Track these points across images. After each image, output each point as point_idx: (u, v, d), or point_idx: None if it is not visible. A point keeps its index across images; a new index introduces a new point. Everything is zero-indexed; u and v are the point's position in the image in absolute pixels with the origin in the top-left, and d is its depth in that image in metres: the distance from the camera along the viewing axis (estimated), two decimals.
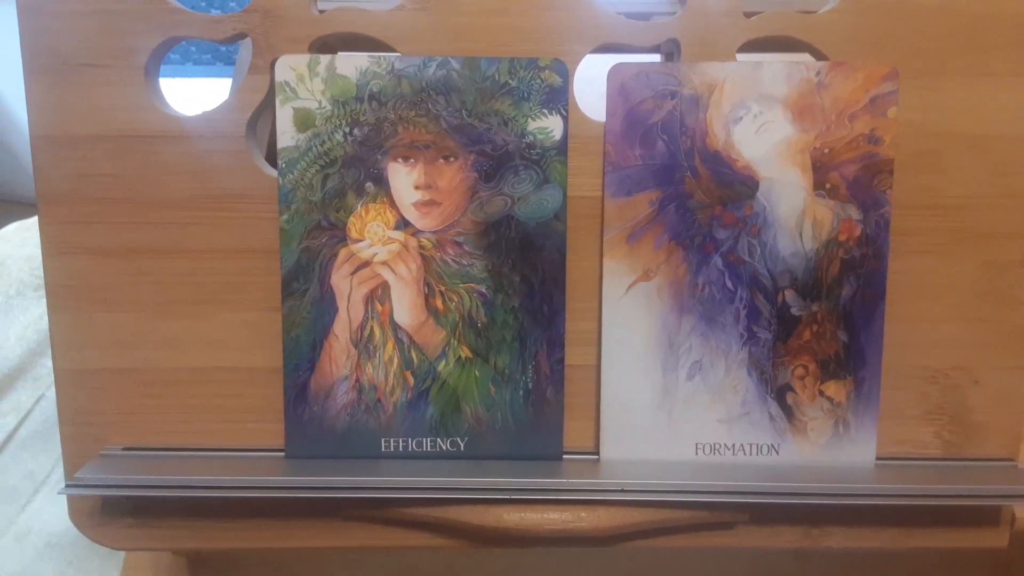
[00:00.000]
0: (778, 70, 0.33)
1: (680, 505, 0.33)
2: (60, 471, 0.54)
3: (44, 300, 0.61)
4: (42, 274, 0.62)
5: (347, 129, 0.34)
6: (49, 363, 0.59)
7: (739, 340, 0.34)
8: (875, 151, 0.34)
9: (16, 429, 0.56)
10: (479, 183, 0.34)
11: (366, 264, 0.34)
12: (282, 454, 0.35)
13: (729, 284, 0.34)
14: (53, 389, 0.58)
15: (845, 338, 0.34)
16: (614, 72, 0.34)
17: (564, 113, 0.34)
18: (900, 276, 0.35)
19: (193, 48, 1.29)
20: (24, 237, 0.66)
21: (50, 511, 0.52)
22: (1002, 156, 0.34)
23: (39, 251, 0.63)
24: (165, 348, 0.35)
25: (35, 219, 0.67)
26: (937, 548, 0.36)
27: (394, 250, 0.34)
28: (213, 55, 1.28)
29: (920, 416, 0.36)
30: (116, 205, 0.34)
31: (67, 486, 0.33)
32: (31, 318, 0.60)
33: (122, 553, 0.48)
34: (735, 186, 0.34)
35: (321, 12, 0.34)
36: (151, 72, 0.34)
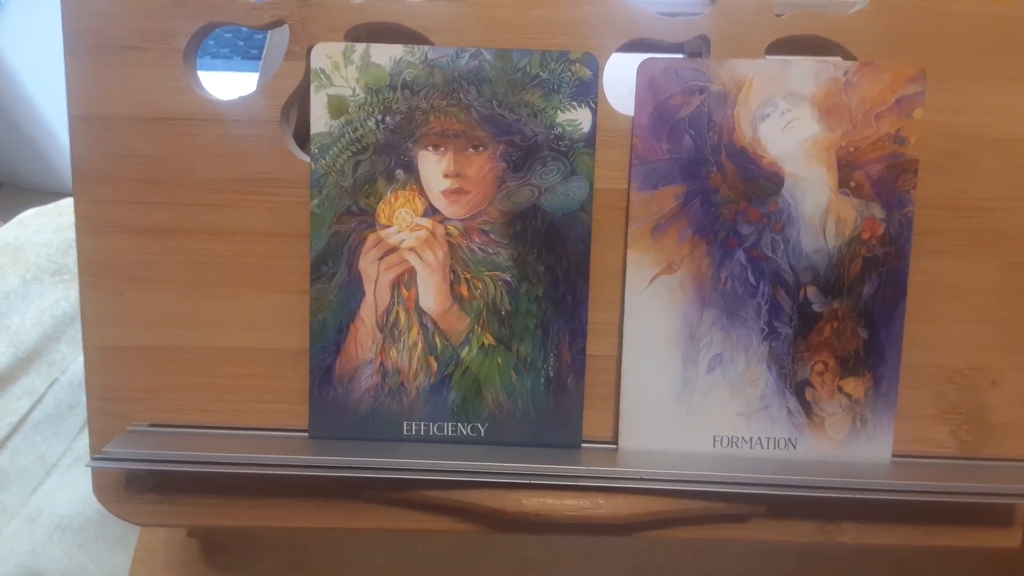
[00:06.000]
0: (806, 68, 0.34)
1: (697, 495, 0.34)
2: (72, 455, 0.55)
3: (60, 286, 0.62)
4: (59, 259, 0.63)
5: (379, 117, 0.34)
6: (64, 348, 0.59)
7: (760, 335, 0.35)
8: (900, 151, 0.34)
9: (29, 412, 0.56)
10: (507, 173, 0.35)
11: (394, 250, 0.35)
12: (305, 435, 0.36)
13: (751, 279, 0.35)
14: (67, 374, 0.59)
15: (865, 335, 0.35)
16: (644, 67, 0.34)
17: (593, 106, 0.34)
18: (922, 275, 0.35)
19: (212, 42, 1.30)
20: (41, 223, 0.67)
21: (61, 494, 0.52)
22: None
23: (56, 237, 0.64)
24: (194, 327, 0.35)
25: (52, 205, 0.68)
26: (949, 547, 0.36)
27: (421, 237, 0.35)
28: (231, 49, 1.29)
29: (937, 415, 0.36)
30: (151, 185, 0.35)
31: (93, 459, 0.33)
32: (47, 303, 0.61)
33: (131, 536, 0.49)
34: (760, 182, 0.34)
35: (357, 2, 0.34)
36: (189, 56, 0.35)
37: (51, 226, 0.66)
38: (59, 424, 0.56)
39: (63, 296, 0.61)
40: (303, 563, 0.46)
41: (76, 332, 0.59)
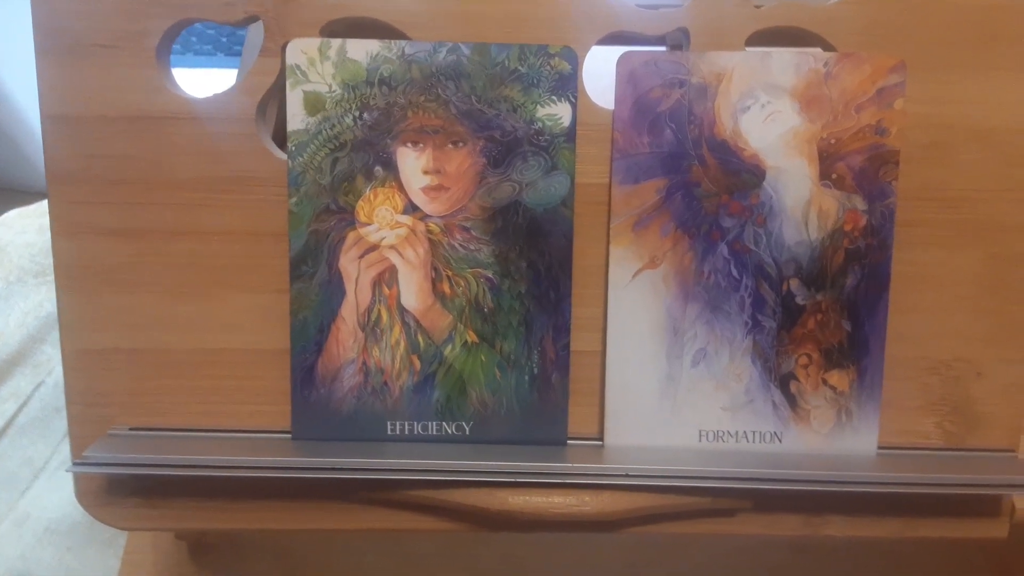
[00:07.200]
0: (786, 60, 0.34)
1: (683, 491, 0.34)
2: (59, 457, 0.54)
3: (44, 287, 0.61)
4: (42, 260, 0.62)
5: (357, 113, 0.34)
6: (49, 350, 0.59)
7: (744, 328, 0.35)
8: (881, 142, 0.34)
9: (15, 415, 0.56)
10: (487, 169, 0.34)
11: (374, 248, 0.34)
12: (288, 436, 0.35)
13: (734, 272, 0.34)
14: (52, 376, 0.58)
15: (849, 328, 0.35)
16: (624, 60, 0.34)
17: (573, 100, 0.34)
18: (904, 267, 0.35)
19: (194, 39, 1.29)
20: (24, 224, 0.66)
21: (49, 497, 0.52)
22: (1008, 149, 0.35)
23: (39, 238, 0.64)
24: (173, 329, 0.35)
25: (35, 206, 0.67)
26: (937, 538, 0.36)
27: (402, 234, 0.34)
28: (214, 46, 1.28)
29: (922, 406, 0.36)
30: (126, 186, 0.34)
31: (74, 464, 0.33)
32: (31, 305, 0.60)
33: (120, 539, 0.48)
34: (742, 175, 0.34)
35: None
36: (162, 54, 0.34)
37: (34, 227, 0.65)
38: (46, 427, 0.56)
39: (47, 297, 0.61)
40: (293, 564, 0.45)
41: None
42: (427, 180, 0.34)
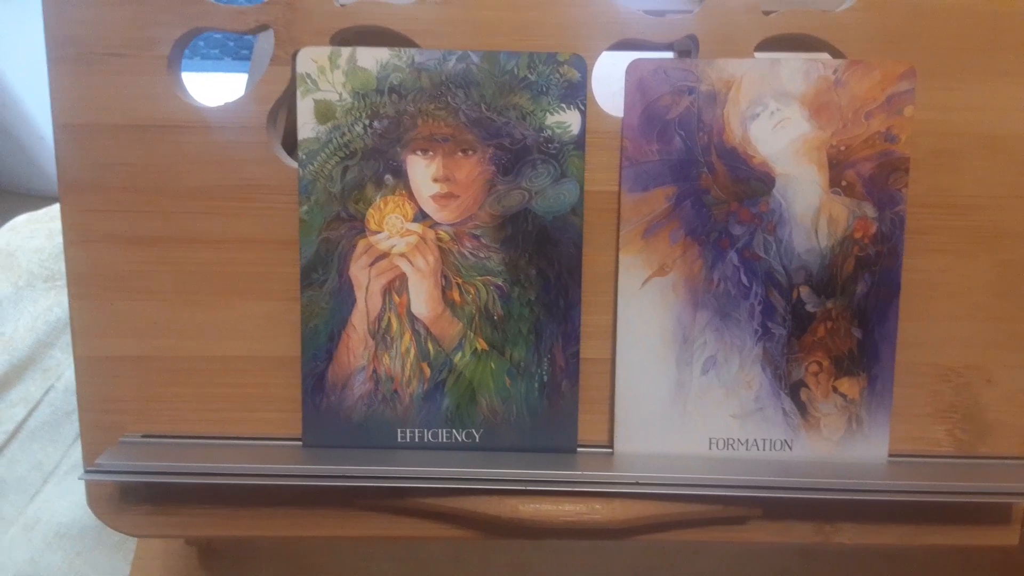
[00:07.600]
0: (795, 67, 0.33)
1: (693, 499, 0.34)
2: (69, 462, 0.55)
3: (53, 291, 0.62)
4: (51, 265, 0.62)
5: (367, 121, 0.34)
6: (58, 354, 0.59)
7: (754, 336, 0.35)
8: (891, 149, 0.34)
9: (25, 420, 0.56)
10: (497, 176, 0.34)
11: (384, 256, 0.34)
12: (299, 443, 0.35)
13: (744, 280, 0.34)
14: (62, 380, 0.58)
15: (859, 335, 0.35)
16: (632, 68, 0.34)
17: (582, 108, 0.34)
18: (915, 274, 0.35)
19: (201, 43, 1.30)
20: (34, 229, 0.66)
21: (59, 501, 0.52)
22: (1017, 156, 0.35)
23: (48, 243, 0.64)
24: (185, 336, 0.35)
25: (44, 211, 0.68)
26: (947, 546, 0.36)
27: (412, 242, 0.34)
28: (221, 50, 1.29)
29: (933, 414, 0.36)
30: (137, 194, 0.34)
31: (86, 471, 0.33)
32: (40, 309, 0.61)
33: (130, 544, 0.48)
34: (751, 182, 0.34)
35: (342, 5, 0.34)
36: (174, 62, 0.34)
37: (43, 231, 0.65)
38: (56, 431, 0.56)
39: (56, 302, 0.61)
40: (302, 569, 0.46)
41: (70, 338, 0.59)
42: (437, 188, 0.34)
